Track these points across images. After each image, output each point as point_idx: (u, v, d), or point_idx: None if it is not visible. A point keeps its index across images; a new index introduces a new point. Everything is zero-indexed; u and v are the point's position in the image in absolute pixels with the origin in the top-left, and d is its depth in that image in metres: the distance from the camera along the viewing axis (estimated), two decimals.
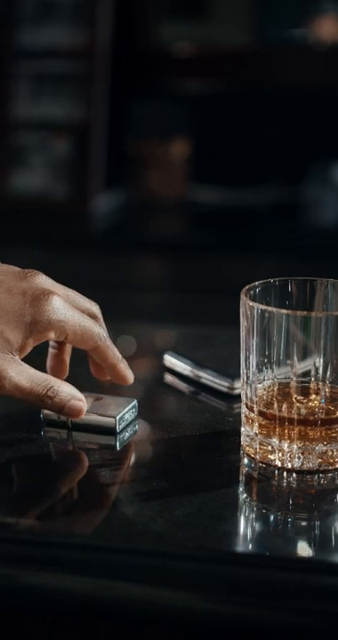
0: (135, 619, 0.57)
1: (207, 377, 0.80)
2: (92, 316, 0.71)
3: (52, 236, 2.17)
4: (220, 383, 0.79)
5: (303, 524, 0.60)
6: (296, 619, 0.56)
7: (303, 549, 0.58)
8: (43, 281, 0.68)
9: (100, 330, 0.70)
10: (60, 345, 0.73)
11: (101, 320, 0.72)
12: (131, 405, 0.73)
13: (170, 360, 0.83)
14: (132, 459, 0.68)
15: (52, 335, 0.67)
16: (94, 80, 2.22)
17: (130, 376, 0.73)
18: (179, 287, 2.15)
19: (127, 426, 0.72)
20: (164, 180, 2.33)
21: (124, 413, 0.71)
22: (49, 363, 0.73)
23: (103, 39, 2.23)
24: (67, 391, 0.68)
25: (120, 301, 2.08)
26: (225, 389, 0.78)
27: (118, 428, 0.70)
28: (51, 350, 0.73)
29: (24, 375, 0.66)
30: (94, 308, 0.72)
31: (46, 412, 0.71)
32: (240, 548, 0.58)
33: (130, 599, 0.56)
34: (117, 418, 0.70)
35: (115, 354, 0.72)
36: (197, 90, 2.44)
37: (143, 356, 0.92)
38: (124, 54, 2.35)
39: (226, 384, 0.78)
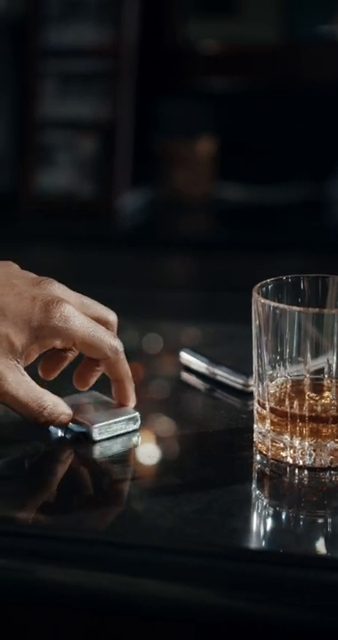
0: (144, 613, 0.58)
1: (222, 374, 0.80)
2: (108, 325, 0.70)
3: (78, 235, 2.18)
4: (234, 380, 0.79)
5: (313, 520, 0.60)
6: (305, 615, 0.56)
7: (313, 546, 0.58)
8: (55, 289, 0.68)
9: (112, 341, 0.69)
10: (63, 353, 0.72)
11: (115, 329, 0.71)
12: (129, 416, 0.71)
13: (186, 357, 0.84)
14: (144, 455, 0.69)
15: (58, 342, 0.67)
16: (120, 79, 2.23)
17: (132, 399, 0.71)
18: (205, 285, 2.15)
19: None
20: (191, 178, 2.32)
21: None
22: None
23: (129, 38, 2.23)
24: (60, 411, 0.68)
25: (146, 300, 2.08)
26: (240, 386, 0.78)
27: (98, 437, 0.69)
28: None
29: (23, 386, 0.65)
30: (111, 316, 0.71)
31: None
32: (248, 544, 0.58)
33: (138, 594, 0.56)
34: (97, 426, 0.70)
35: (125, 369, 0.70)
36: (223, 88, 2.44)
37: (161, 353, 0.92)
38: (151, 52, 2.35)
39: (241, 381, 0.78)
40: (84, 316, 0.67)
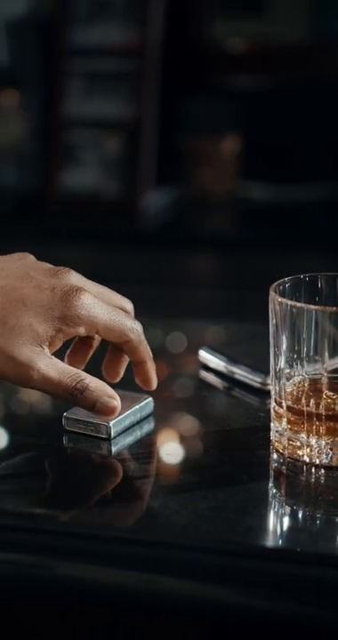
0: (159, 610, 0.58)
1: (240, 372, 0.80)
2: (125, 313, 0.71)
3: (103, 234, 2.19)
4: (252, 379, 0.79)
5: (330, 519, 0.60)
6: (321, 614, 0.56)
7: (329, 545, 0.58)
8: (73, 278, 0.68)
9: (133, 324, 0.70)
10: (88, 341, 0.73)
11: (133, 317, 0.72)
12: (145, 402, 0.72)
13: (204, 356, 0.84)
14: (161, 452, 0.69)
15: (81, 330, 0.67)
16: (146, 78, 2.23)
17: (154, 380, 0.72)
18: (229, 283, 2.15)
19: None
20: (215, 176, 2.33)
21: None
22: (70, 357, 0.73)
23: (155, 37, 2.24)
24: (98, 387, 0.67)
25: (171, 298, 2.09)
26: (258, 385, 0.78)
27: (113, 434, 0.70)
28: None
29: (53, 368, 0.66)
30: (128, 305, 0.72)
31: (68, 421, 0.70)
32: (264, 542, 0.58)
33: (153, 590, 0.57)
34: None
35: (147, 351, 0.71)
36: (248, 86, 2.44)
37: (182, 351, 0.92)
38: (177, 51, 2.35)
39: (259, 380, 0.78)
40: (103, 303, 0.68)
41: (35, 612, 0.61)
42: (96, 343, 0.73)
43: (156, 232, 2.21)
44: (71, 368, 0.68)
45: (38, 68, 2.32)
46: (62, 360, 0.70)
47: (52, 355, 0.67)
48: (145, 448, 0.69)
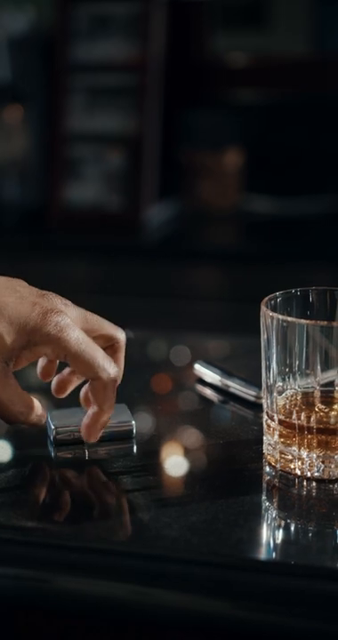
0: (148, 622, 0.58)
1: (235, 386, 0.81)
2: (115, 342, 0.70)
3: (106, 248, 2.20)
4: (247, 392, 0.79)
5: (320, 531, 0.60)
6: (311, 626, 0.57)
7: (319, 557, 0.58)
8: (58, 302, 0.67)
9: (106, 364, 0.67)
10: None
11: (122, 347, 0.70)
12: (126, 409, 0.73)
13: (199, 369, 0.85)
14: (152, 466, 0.70)
15: (48, 351, 0.66)
16: (148, 92, 2.24)
17: (96, 433, 0.69)
18: (233, 297, 2.15)
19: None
20: (218, 190, 2.33)
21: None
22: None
23: (157, 52, 2.25)
24: (36, 420, 0.68)
25: (173, 311, 2.09)
26: (252, 398, 0.79)
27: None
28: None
29: (6, 390, 0.65)
30: (119, 333, 0.70)
31: (58, 436, 0.71)
32: (253, 554, 0.59)
33: (142, 602, 0.57)
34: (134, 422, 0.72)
35: (109, 401, 0.68)
36: (250, 100, 2.44)
37: (177, 365, 0.93)
38: (179, 65, 2.36)
39: (253, 393, 0.79)
40: (82, 333, 0.67)
41: (26, 624, 0.62)
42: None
43: (158, 245, 2.22)
44: (24, 398, 0.67)
45: (40, 83, 2.34)
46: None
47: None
48: (138, 461, 0.70)
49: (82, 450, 0.70)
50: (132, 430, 0.72)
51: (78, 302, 0.70)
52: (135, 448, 0.71)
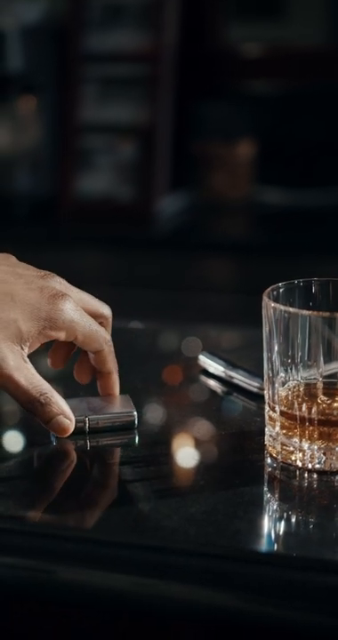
0: (147, 613, 0.58)
1: (239, 377, 0.80)
2: (103, 318, 0.73)
3: (117, 238, 2.20)
4: (250, 383, 0.79)
5: (321, 524, 0.60)
6: (311, 618, 0.56)
7: (319, 549, 0.58)
8: (58, 283, 0.70)
9: (106, 335, 0.72)
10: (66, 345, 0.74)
11: (110, 322, 0.74)
12: (129, 400, 0.74)
13: (204, 360, 0.84)
14: (154, 456, 0.69)
15: (62, 335, 0.69)
16: (160, 83, 2.24)
17: (117, 390, 0.74)
18: (244, 288, 2.15)
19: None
20: (230, 181, 2.33)
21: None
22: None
23: (170, 42, 2.24)
24: (59, 405, 0.68)
25: (185, 302, 2.09)
26: (255, 390, 0.79)
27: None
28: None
29: (24, 372, 0.66)
30: (106, 310, 0.74)
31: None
32: (252, 546, 0.58)
33: (140, 594, 0.57)
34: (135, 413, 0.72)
35: (115, 363, 0.74)
36: (263, 91, 2.44)
37: (183, 356, 0.93)
38: (192, 56, 2.36)
39: (256, 384, 0.78)
40: (83, 311, 0.70)
41: (26, 615, 0.62)
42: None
43: (170, 237, 2.21)
44: (39, 378, 0.68)
45: (53, 73, 2.33)
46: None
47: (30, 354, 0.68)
48: (139, 452, 0.69)
49: (83, 440, 0.70)
50: (134, 421, 0.72)
51: (89, 293, 0.74)
52: (137, 439, 0.71)
